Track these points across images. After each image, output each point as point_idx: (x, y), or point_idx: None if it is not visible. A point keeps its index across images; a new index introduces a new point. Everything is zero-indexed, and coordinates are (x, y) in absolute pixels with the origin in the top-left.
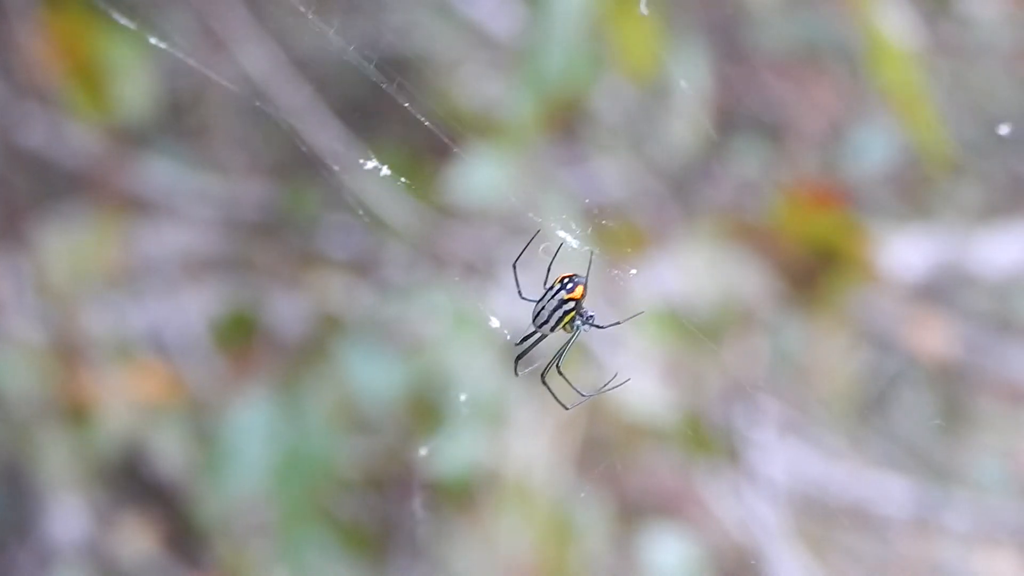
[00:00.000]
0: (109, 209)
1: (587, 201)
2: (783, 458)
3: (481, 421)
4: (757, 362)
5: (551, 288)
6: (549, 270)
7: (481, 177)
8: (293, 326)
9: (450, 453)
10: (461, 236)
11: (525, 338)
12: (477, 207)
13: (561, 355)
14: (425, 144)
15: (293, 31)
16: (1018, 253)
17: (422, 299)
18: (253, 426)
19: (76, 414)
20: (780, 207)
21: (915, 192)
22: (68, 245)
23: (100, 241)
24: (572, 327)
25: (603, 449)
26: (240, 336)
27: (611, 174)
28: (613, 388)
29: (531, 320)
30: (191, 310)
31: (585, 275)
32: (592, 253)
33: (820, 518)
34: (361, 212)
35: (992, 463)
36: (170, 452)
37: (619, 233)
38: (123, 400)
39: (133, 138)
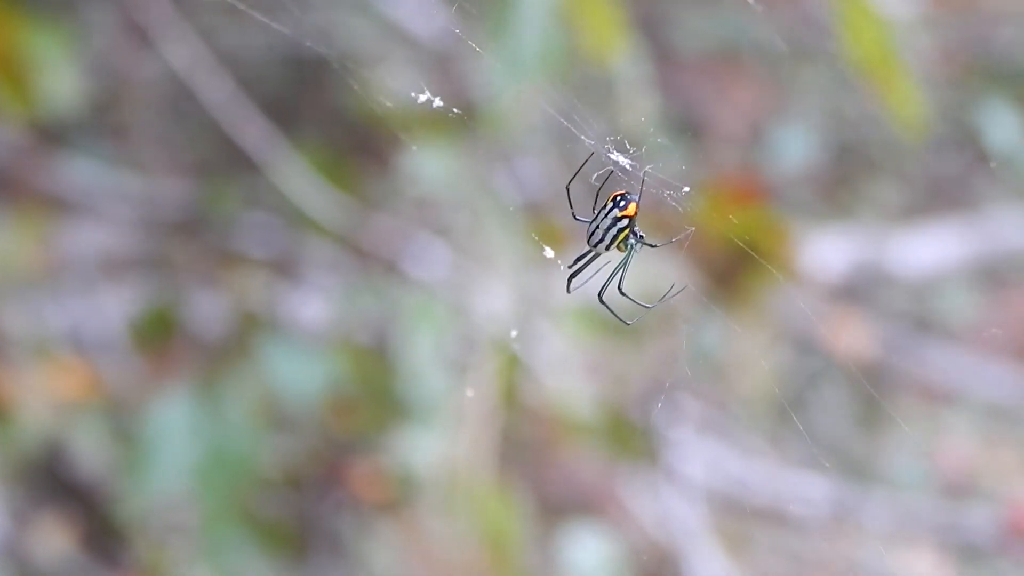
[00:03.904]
0: (28, 208)
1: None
2: (702, 457)
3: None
4: (677, 360)
5: (604, 207)
6: (598, 192)
7: (432, 167)
8: (213, 325)
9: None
10: (385, 233)
11: (578, 259)
12: (416, 201)
13: (620, 275)
14: (347, 140)
15: (217, 27)
16: (936, 253)
17: (351, 297)
18: (173, 424)
19: None
20: (701, 204)
21: (834, 192)
22: None
23: (19, 240)
24: (626, 245)
25: (523, 447)
26: (159, 335)
27: (534, 173)
28: (673, 296)
29: (586, 240)
30: (110, 309)
31: (638, 193)
32: (645, 173)
33: (739, 516)
34: (283, 209)
35: (910, 462)
36: (89, 451)
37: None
38: (42, 399)
39: (53, 136)
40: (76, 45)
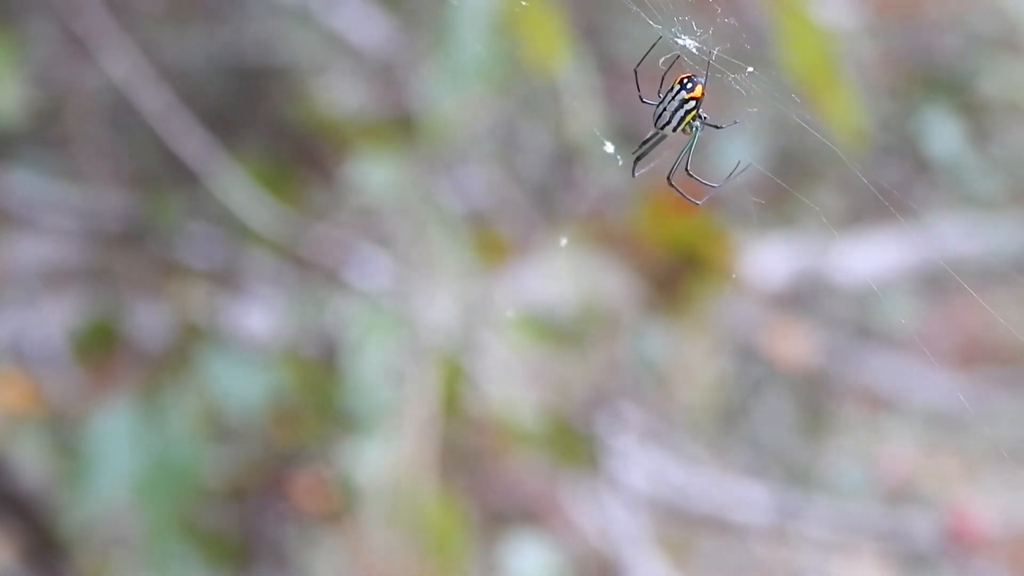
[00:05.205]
0: None
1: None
2: (644, 465)
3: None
4: (620, 368)
5: (671, 89)
6: (664, 77)
7: (375, 177)
8: (155, 336)
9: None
10: (328, 243)
11: (644, 142)
12: (359, 210)
13: (688, 156)
14: (290, 151)
15: (159, 38)
16: (878, 261)
17: (293, 307)
18: (115, 436)
19: None
20: (642, 212)
21: (777, 201)
22: None
23: None
24: (691, 128)
25: (466, 457)
26: (101, 346)
27: (477, 183)
28: (739, 174)
29: (653, 122)
30: (52, 321)
31: (704, 76)
32: (711, 55)
33: (681, 524)
34: (224, 220)
35: (852, 468)
36: (30, 463)
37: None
38: None
39: None
40: (17, 56)
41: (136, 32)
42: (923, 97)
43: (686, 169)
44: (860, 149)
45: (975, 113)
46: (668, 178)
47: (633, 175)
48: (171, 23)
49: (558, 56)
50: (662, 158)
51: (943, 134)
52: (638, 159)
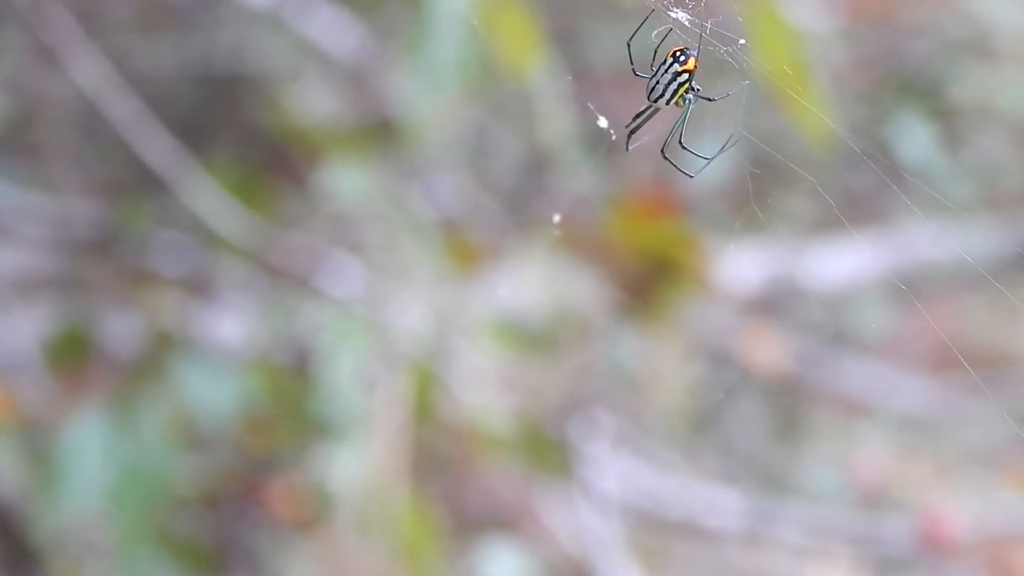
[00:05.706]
0: None
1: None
2: (617, 471)
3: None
4: (593, 374)
5: (663, 63)
6: (656, 49)
7: (347, 184)
8: (127, 344)
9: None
10: (300, 250)
11: (636, 116)
12: (331, 218)
13: (681, 130)
14: (262, 158)
15: (129, 47)
16: (851, 266)
17: (264, 315)
18: (87, 444)
19: None
20: (614, 218)
21: (748, 206)
22: None
23: None
24: (684, 101)
25: (440, 463)
26: (73, 354)
27: (448, 190)
28: (729, 148)
29: (646, 95)
30: (23, 329)
31: (696, 49)
32: (704, 27)
33: (655, 530)
34: (195, 228)
35: (826, 473)
36: (3, 472)
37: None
38: None
39: None
40: None
41: (106, 40)
42: (895, 102)
43: (680, 142)
44: (831, 154)
45: (947, 118)
46: (662, 151)
47: (627, 148)
48: (141, 31)
49: (531, 60)
50: (655, 132)
51: (915, 139)
52: (631, 133)
